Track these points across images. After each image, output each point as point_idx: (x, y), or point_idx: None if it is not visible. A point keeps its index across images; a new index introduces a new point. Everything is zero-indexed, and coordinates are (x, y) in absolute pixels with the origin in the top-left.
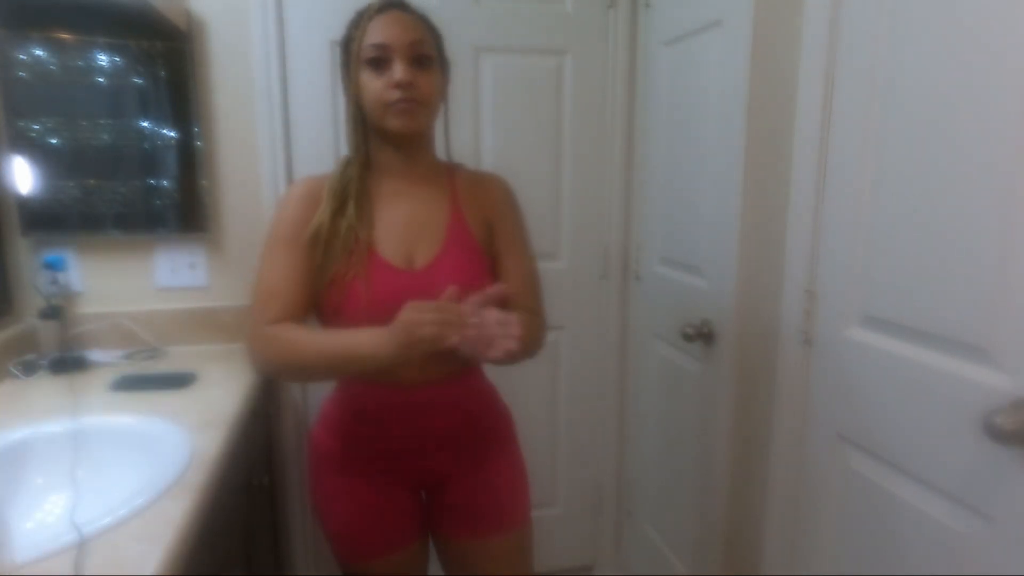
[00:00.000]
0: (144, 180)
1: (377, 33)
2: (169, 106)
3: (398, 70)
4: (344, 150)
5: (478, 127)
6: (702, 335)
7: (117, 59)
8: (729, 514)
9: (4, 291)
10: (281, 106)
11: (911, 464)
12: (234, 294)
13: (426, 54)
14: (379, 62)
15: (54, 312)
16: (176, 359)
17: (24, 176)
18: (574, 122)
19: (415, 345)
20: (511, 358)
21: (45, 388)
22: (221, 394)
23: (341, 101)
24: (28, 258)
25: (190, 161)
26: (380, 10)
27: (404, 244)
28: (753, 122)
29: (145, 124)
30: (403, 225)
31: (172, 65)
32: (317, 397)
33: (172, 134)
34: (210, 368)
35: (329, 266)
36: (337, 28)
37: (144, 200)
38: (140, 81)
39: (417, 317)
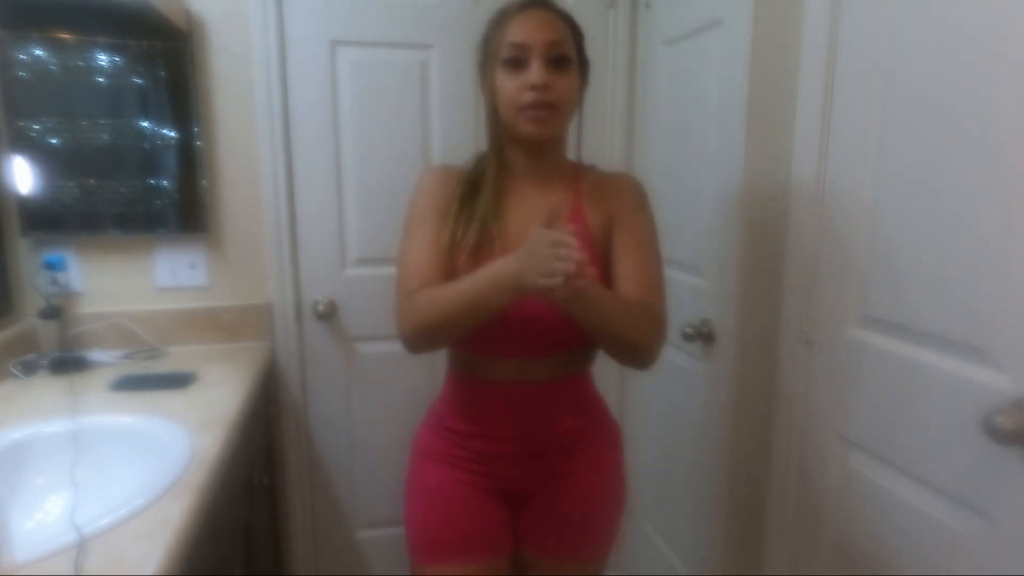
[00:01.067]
0: (144, 180)
1: (516, 31)
2: (169, 106)
3: (535, 71)
4: (344, 149)
5: (478, 126)
6: (702, 335)
7: (117, 59)
8: (729, 514)
9: (4, 291)
10: (281, 106)
11: (911, 464)
12: (234, 294)
13: (565, 55)
14: (516, 62)
15: (54, 312)
16: (176, 359)
17: (24, 176)
18: (574, 121)
19: (532, 273)
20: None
21: (45, 388)
22: (221, 394)
23: (341, 101)
24: (28, 258)
25: (190, 161)
26: (521, 8)
27: (523, 239)
28: (753, 122)
29: (145, 124)
30: (524, 221)
31: (172, 65)
32: (317, 397)
33: (172, 134)
34: (210, 368)
35: (455, 246)
36: (337, 28)
37: (144, 200)
38: (140, 81)
39: (539, 250)
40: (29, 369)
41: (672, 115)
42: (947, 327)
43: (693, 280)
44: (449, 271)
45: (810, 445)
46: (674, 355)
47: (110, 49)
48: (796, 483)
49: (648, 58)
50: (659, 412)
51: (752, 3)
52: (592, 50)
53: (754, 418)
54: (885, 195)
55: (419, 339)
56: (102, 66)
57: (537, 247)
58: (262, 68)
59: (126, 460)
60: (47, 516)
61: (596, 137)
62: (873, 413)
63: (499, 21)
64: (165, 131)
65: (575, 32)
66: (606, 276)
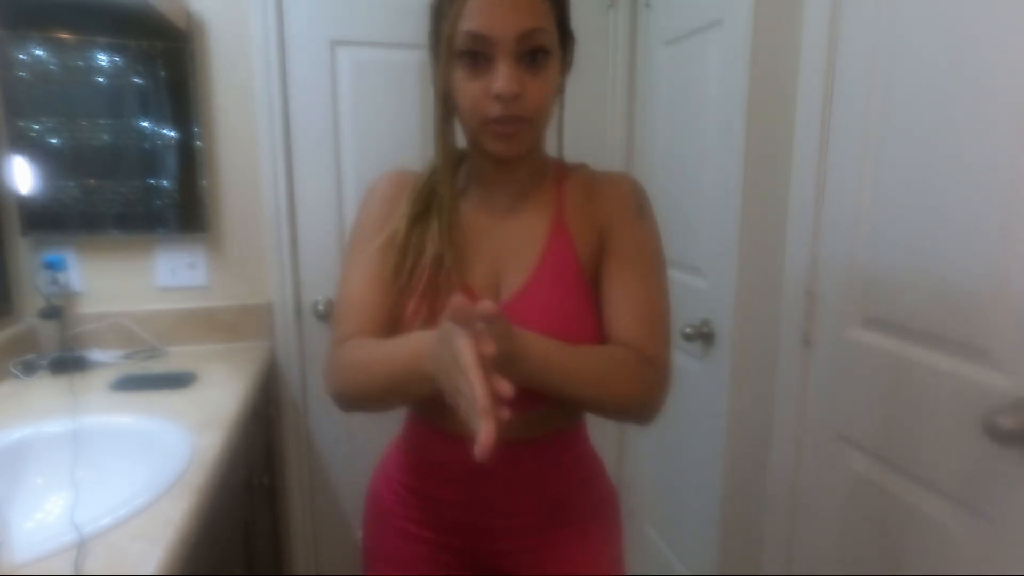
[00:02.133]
0: (144, 180)
1: (476, 17)
2: (169, 106)
3: (501, 75)
4: (344, 149)
5: None
6: (702, 335)
7: (117, 59)
8: (729, 514)
9: (4, 291)
10: (281, 106)
11: (911, 464)
12: (234, 294)
13: (541, 47)
14: (476, 57)
15: (54, 312)
16: (176, 359)
17: (24, 176)
18: (574, 121)
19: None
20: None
21: (45, 388)
22: (221, 394)
23: (341, 101)
24: (28, 258)
25: (190, 161)
26: None
27: (492, 270)
28: (753, 122)
29: (145, 124)
30: (494, 248)
31: (172, 65)
32: (317, 397)
33: (172, 134)
34: (210, 368)
35: (400, 281)
36: (337, 28)
37: (144, 200)
38: (140, 81)
39: (441, 352)
40: (29, 369)
41: (672, 115)
42: (947, 327)
43: (693, 280)
44: (392, 310)
45: (810, 445)
46: (674, 355)
47: (110, 49)
48: (795, 483)
49: (648, 58)
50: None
51: (752, 3)
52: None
53: (754, 418)
54: (885, 195)
55: (344, 405)
56: (102, 66)
57: (441, 352)
58: (262, 68)
59: (126, 460)
60: (47, 516)
61: (596, 137)
62: (873, 413)
63: None
64: (165, 131)
65: (558, 5)
66: (591, 307)
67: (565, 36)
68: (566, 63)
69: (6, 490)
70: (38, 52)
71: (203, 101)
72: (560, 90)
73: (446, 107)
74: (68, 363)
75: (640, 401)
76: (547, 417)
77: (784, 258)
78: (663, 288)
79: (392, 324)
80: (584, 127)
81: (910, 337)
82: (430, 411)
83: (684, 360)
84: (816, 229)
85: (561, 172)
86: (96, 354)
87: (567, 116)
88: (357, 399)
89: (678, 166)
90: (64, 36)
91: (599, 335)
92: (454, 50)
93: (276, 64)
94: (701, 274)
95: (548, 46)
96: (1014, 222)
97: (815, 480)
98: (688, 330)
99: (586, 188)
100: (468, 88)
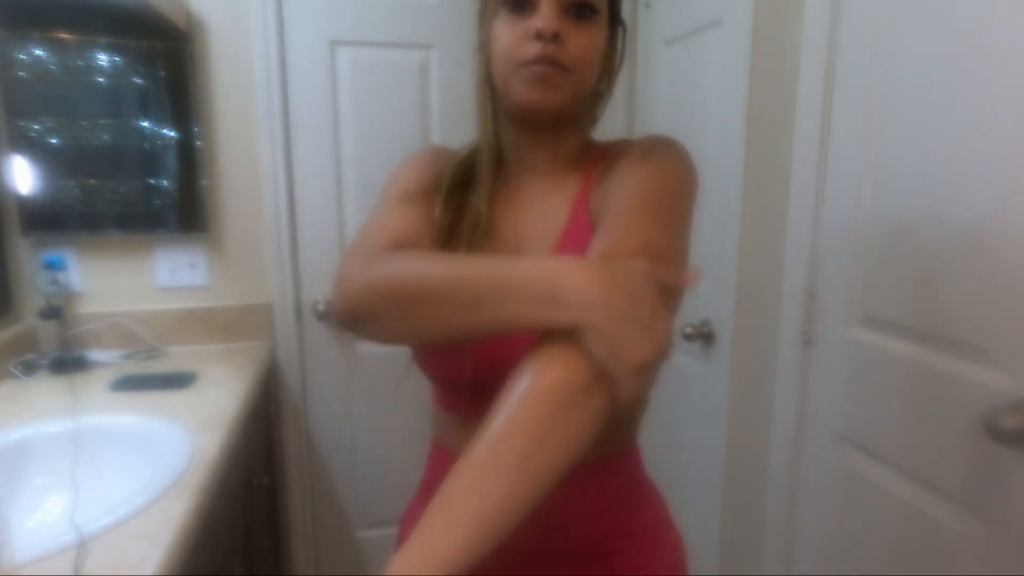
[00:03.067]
0: (144, 180)
1: None
2: (169, 106)
3: (543, 13)
4: (344, 149)
5: None
6: (702, 335)
7: (117, 59)
8: (729, 514)
9: (4, 291)
10: (281, 106)
11: (911, 464)
12: (234, 294)
13: (588, 1)
14: (522, 6)
15: (54, 312)
16: (176, 359)
17: (24, 176)
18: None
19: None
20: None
21: (45, 388)
22: (221, 394)
23: (341, 101)
24: (28, 258)
25: (190, 161)
26: None
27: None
28: (753, 122)
29: (145, 124)
30: (516, 234)
31: (172, 65)
32: (317, 397)
33: (172, 134)
34: (210, 368)
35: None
36: (337, 28)
37: (144, 200)
38: (140, 81)
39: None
40: (29, 369)
41: (672, 115)
42: (947, 327)
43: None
44: (423, 241)
45: (810, 445)
46: (674, 355)
47: (110, 49)
48: (796, 483)
49: (648, 58)
50: (659, 412)
51: (752, 3)
52: None
53: (754, 418)
54: (885, 194)
55: (363, 309)
56: (102, 66)
57: (633, 300)
58: (262, 68)
59: (126, 460)
60: (47, 516)
61: (596, 137)
62: (873, 413)
63: None
64: (165, 131)
65: None
66: None
67: (616, 16)
68: (616, 44)
69: (6, 490)
70: (38, 52)
71: (203, 101)
72: (612, 71)
73: (487, 67)
74: (68, 363)
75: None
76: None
77: (784, 258)
78: (673, 233)
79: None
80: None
81: (910, 337)
82: (446, 429)
83: (684, 360)
84: (816, 228)
85: (599, 153)
86: (96, 354)
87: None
88: (396, 302)
89: None
90: (64, 36)
91: None
92: None
93: (276, 64)
94: (701, 274)
95: (596, 4)
96: (1014, 222)
97: (815, 480)
98: (688, 330)
99: (614, 156)
100: (508, 32)
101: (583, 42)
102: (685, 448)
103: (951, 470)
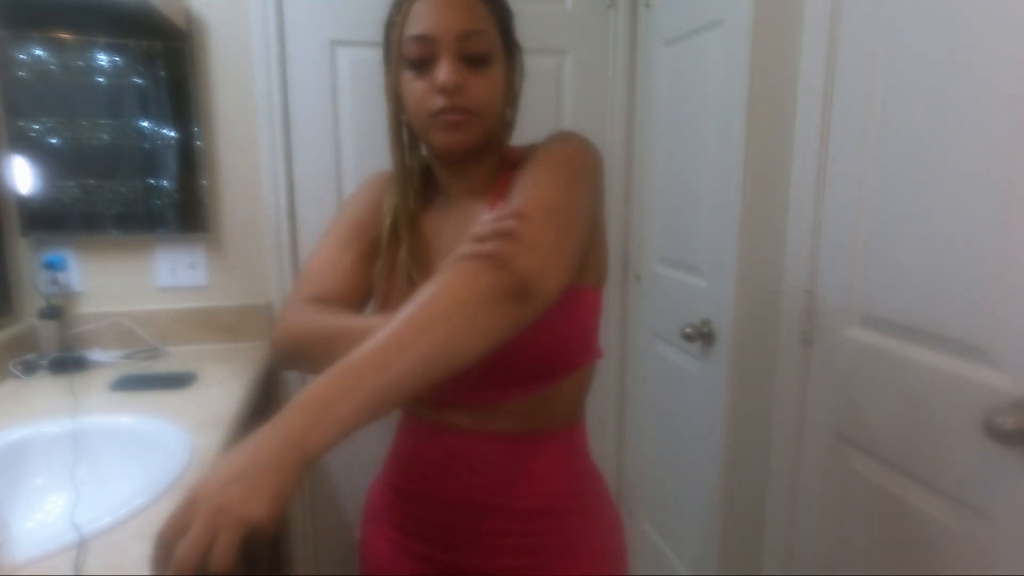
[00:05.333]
0: (144, 180)
1: (419, 21)
2: (169, 106)
3: (443, 70)
4: (344, 149)
5: None
6: (702, 335)
7: (117, 59)
8: (729, 514)
9: (4, 291)
10: (281, 106)
11: (911, 464)
12: (234, 294)
13: (483, 52)
14: (422, 60)
15: (54, 312)
16: (176, 359)
17: (24, 176)
18: (574, 122)
19: None
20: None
21: (45, 388)
22: (221, 394)
23: (341, 101)
24: (28, 258)
25: (190, 161)
26: None
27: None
28: (753, 122)
29: (145, 124)
30: (452, 251)
31: (172, 65)
32: None
33: (172, 134)
34: (210, 368)
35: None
36: (337, 28)
37: (144, 200)
38: (140, 81)
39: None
40: (29, 369)
41: (672, 115)
42: (947, 327)
43: (693, 280)
44: (360, 283)
45: (809, 445)
46: (674, 355)
47: (110, 49)
48: (795, 483)
49: (648, 58)
50: (659, 412)
51: (752, 3)
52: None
53: (754, 418)
54: (885, 194)
55: (282, 363)
56: (102, 66)
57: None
58: (262, 68)
59: (126, 460)
60: (47, 516)
61: (596, 137)
62: (873, 413)
63: (400, 5)
64: (165, 131)
65: (499, 15)
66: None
67: (510, 44)
68: (514, 70)
69: (6, 490)
70: (38, 52)
71: (203, 101)
72: (515, 95)
73: (397, 112)
74: (68, 363)
75: (510, 325)
76: (535, 408)
77: (784, 258)
78: (564, 180)
79: (357, 298)
80: (584, 127)
81: (910, 337)
82: (417, 404)
83: (684, 360)
84: (816, 229)
85: (514, 159)
86: (96, 354)
87: (567, 116)
88: (297, 362)
89: (678, 166)
90: (64, 36)
91: (568, 324)
92: (403, 55)
93: (276, 64)
94: (701, 274)
95: (489, 50)
96: (1014, 221)
97: (815, 480)
98: (688, 330)
99: (522, 163)
100: (415, 87)
101: (484, 87)
102: (685, 448)
103: (950, 470)
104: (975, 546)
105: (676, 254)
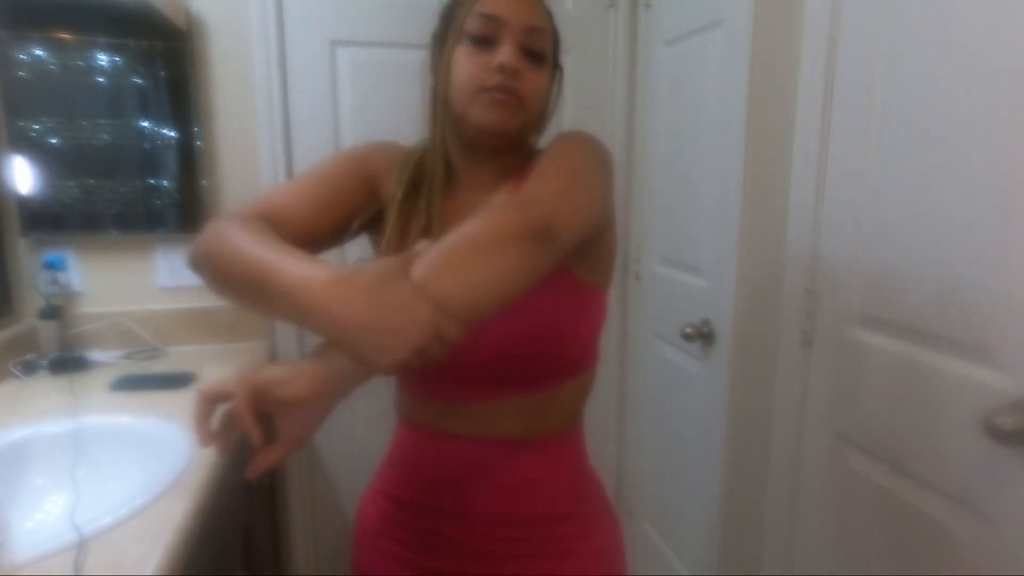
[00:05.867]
0: (144, 180)
1: (493, 3)
2: (169, 106)
3: (506, 51)
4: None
5: None
6: (702, 335)
7: (117, 59)
8: (729, 514)
9: (4, 291)
10: (281, 106)
11: (911, 464)
12: None
13: (542, 50)
14: (484, 40)
15: (54, 312)
16: (176, 359)
17: (24, 176)
18: (574, 122)
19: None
20: None
21: (45, 388)
22: None
23: (341, 101)
24: (28, 258)
25: (190, 161)
26: None
27: None
28: (753, 122)
29: (145, 124)
30: None
31: (172, 65)
32: None
33: (172, 134)
34: (210, 368)
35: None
36: (337, 28)
37: (144, 200)
38: (140, 81)
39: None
40: (29, 369)
41: (672, 115)
42: (947, 327)
43: (693, 280)
44: (307, 227)
45: (809, 445)
46: (674, 355)
47: (110, 49)
48: (795, 483)
49: (648, 58)
50: (659, 412)
51: (752, 3)
52: (592, 50)
53: (754, 418)
54: (885, 194)
55: (197, 269)
56: (102, 66)
57: (376, 308)
58: (262, 68)
59: (126, 460)
60: (47, 516)
61: (596, 137)
62: (873, 413)
63: None
64: (165, 131)
65: (555, 30)
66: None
67: (556, 61)
68: (555, 85)
69: (6, 490)
70: (38, 52)
71: (203, 101)
72: (548, 110)
73: (443, 91)
74: (68, 363)
75: (536, 267)
76: (533, 410)
77: (784, 258)
78: (579, 155)
79: (303, 237)
80: (584, 127)
81: (910, 336)
82: (415, 408)
83: (684, 360)
84: (816, 229)
85: (532, 158)
86: (96, 354)
87: (567, 116)
88: (211, 274)
89: (678, 166)
90: (64, 36)
91: (577, 321)
92: (464, 31)
93: (276, 64)
94: (701, 274)
95: (546, 51)
96: (1014, 222)
97: (815, 480)
98: (688, 330)
99: (535, 162)
100: (470, 62)
101: (535, 82)
102: (685, 448)
103: (951, 470)
104: (975, 546)
105: (676, 254)
